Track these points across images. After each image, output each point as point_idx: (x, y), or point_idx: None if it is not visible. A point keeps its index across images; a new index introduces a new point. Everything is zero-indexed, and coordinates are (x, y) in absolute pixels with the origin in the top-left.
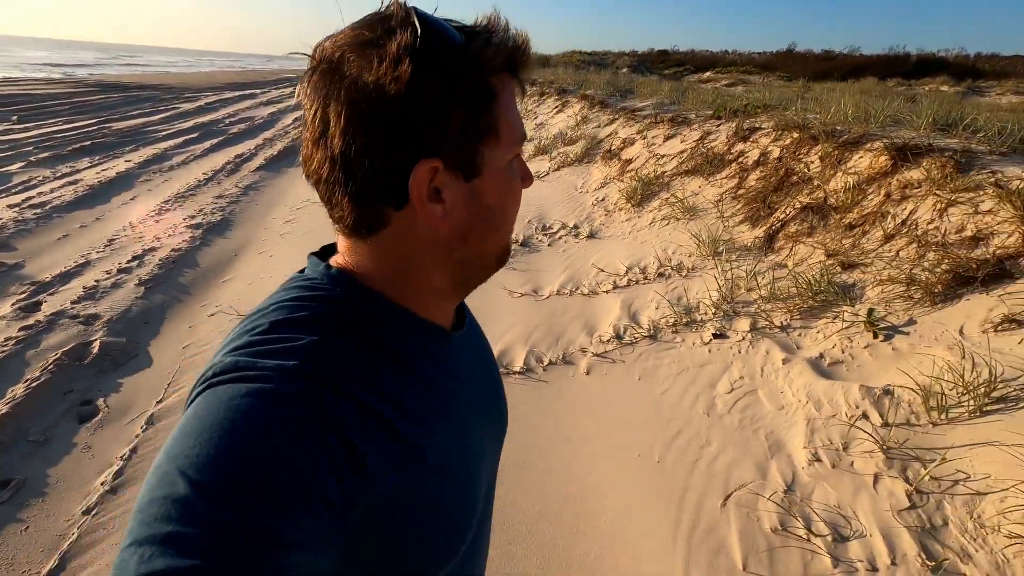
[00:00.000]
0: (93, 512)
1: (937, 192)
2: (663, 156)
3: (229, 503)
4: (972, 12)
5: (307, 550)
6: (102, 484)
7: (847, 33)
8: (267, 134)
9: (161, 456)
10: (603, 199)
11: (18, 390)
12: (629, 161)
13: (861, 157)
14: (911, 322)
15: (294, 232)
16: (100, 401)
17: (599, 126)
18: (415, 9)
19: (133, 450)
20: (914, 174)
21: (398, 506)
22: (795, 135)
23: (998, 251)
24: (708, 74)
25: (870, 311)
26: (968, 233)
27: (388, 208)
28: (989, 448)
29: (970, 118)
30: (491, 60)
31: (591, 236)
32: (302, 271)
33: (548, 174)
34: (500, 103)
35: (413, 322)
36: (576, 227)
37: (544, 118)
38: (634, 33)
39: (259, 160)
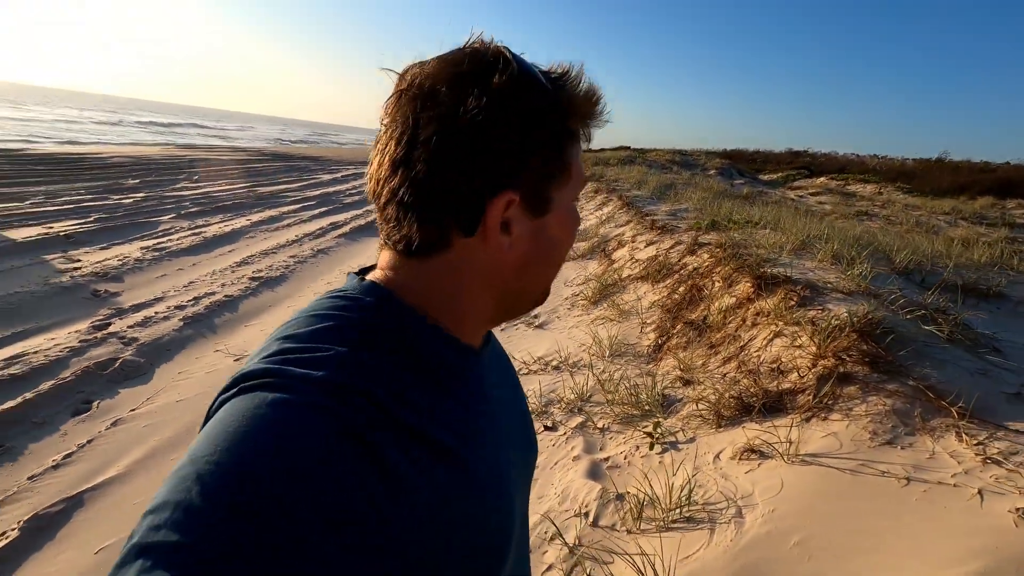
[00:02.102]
0: (34, 478)
1: (776, 322)
2: (637, 260)
3: (244, 517)
4: None
5: (327, 567)
6: (52, 461)
7: None
8: (371, 207)
9: (184, 459)
10: (576, 294)
11: (46, 385)
12: (613, 261)
13: (744, 282)
14: (691, 440)
15: None
16: (96, 403)
17: (616, 225)
18: (507, 49)
19: (89, 441)
20: (767, 303)
21: (432, 518)
22: (717, 254)
23: (783, 385)
24: (822, 179)
25: (655, 424)
26: (779, 365)
27: (456, 233)
28: (638, 557)
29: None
30: (573, 106)
31: (540, 326)
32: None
33: None
34: (575, 147)
35: (444, 339)
36: (536, 316)
37: (584, 214)
38: (778, 130)
39: (346, 229)
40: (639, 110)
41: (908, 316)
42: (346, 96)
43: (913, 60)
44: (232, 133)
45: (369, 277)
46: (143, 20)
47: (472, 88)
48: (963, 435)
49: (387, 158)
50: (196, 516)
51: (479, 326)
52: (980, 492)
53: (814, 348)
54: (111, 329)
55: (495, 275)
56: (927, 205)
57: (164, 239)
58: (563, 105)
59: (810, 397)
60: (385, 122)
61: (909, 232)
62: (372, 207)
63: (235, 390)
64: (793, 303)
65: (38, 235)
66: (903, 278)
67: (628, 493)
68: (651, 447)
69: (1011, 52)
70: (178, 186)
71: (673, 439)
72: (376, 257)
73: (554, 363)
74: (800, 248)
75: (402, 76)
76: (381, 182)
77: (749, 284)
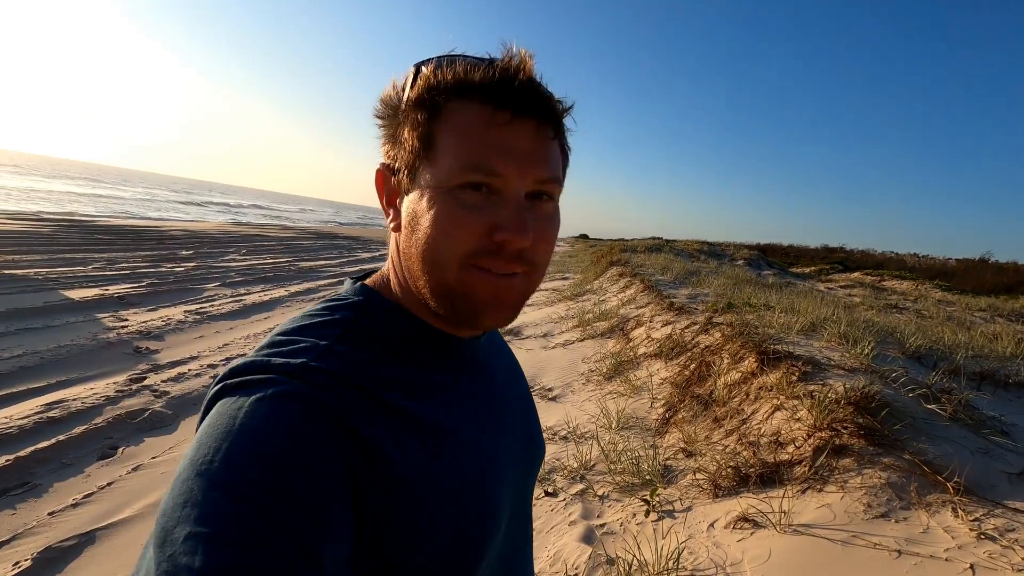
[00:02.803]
0: (55, 515)
1: (778, 396)
2: (653, 339)
3: (250, 503)
4: None
5: (327, 542)
6: (72, 500)
7: None
8: None
9: (183, 463)
10: (592, 370)
11: (78, 430)
12: (631, 340)
13: (749, 359)
14: (687, 509)
15: None
16: (121, 448)
17: (637, 307)
18: (458, 56)
19: (109, 484)
20: (770, 378)
21: (413, 490)
22: (727, 332)
23: (781, 456)
24: (856, 274)
25: (653, 491)
26: (778, 437)
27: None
28: None
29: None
30: (440, 79)
31: (554, 399)
32: None
33: (573, 343)
34: (444, 121)
35: (422, 329)
36: (551, 390)
37: (607, 296)
38: (815, 227)
39: None
40: (670, 200)
41: (910, 394)
42: None
43: (956, 160)
44: (290, 214)
45: (367, 280)
46: (195, 105)
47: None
48: (959, 511)
49: None
50: (207, 509)
51: (444, 324)
52: (972, 567)
53: (811, 420)
54: (146, 382)
55: (409, 259)
56: (962, 301)
57: (207, 304)
58: (431, 79)
59: (806, 468)
60: None
61: (939, 325)
62: None
63: (222, 386)
64: (795, 378)
65: (94, 296)
66: (914, 361)
67: (618, 557)
68: (647, 514)
69: None
70: (227, 258)
71: (670, 507)
72: None
73: (562, 433)
74: (809, 328)
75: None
76: None
77: (754, 360)
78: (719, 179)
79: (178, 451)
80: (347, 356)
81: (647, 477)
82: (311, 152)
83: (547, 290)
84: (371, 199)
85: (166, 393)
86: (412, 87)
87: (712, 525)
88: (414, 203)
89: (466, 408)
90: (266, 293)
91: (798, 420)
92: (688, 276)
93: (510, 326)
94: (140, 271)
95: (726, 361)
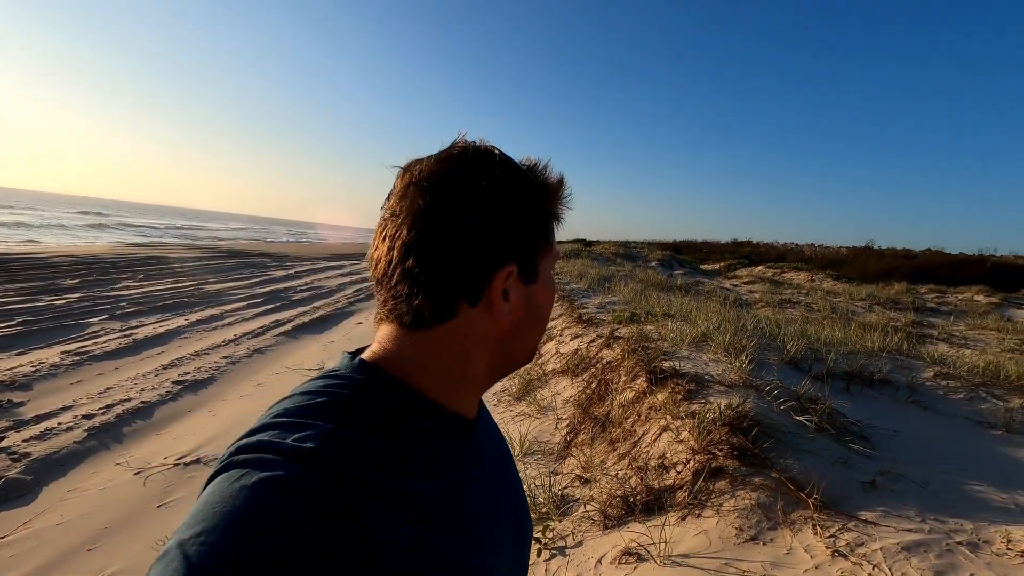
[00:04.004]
0: None
1: (665, 416)
2: (561, 354)
3: None
4: None
5: None
6: None
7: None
8: (319, 303)
9: (172, 537)
10: (504, 390)
11: None
12: (540, 355)
13: (641, 377)
14: (578, 544)
15: (256, 395)
16: None
17: (550, 319)
18: (494, 147)
19: None
20: (659, 397)
21: None
22: (624, 347)
23: (665, 481)
24: (760, 268)
25: (545, 528)
26: (663, 460)
27: (462, 303)
28: None
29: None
30: (551, 190)
31: None
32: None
33: None
34: (554, 225)
35: (433, 412)
36: None
37: None
38: (726, 221)
39: (288, 327)
40: (593, 200)
41: (782, 406)
42: (323, 192)
43: (851, 152)
44: (209, 232)
45: (364, 355)
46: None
47: (475, 179)
48: (817, 528)
49: (398, 242)
50: None
51: (474, 392)
52: None
53: (692, 442)
54: (3, 444)
55: (492, 340)
56: (847, 292)
57: (89, 342)
58: (542, 190)
59: (686, 494)
60: (392, 210)
61: (825, 319)
62: (319, 303)
63: (223, 465)
64: (680, 397)
65: None
66: (791, 367)
67: None
68: (539, 553)
69: (938, 139)
70: (120, 286)
71: (563, 543)
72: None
73: None
74: (700, 339)
75: (407, 170)
76: (392, 264)
77: (643, 379)
78: (639, 178)
79: (35, 525)
80: (347, 443)
81: (543, 510)
82: (236, 166)
83: None
84: (302, 213)
85: (27, 455)
86: (535, 197)
87: (599, 561)
88: (542, 288)
89: (466, 506)
90: (162, 324)
91: (681, 442)
92: (602, 282)
93: None
94: (10, 307)
95: (623, 379)
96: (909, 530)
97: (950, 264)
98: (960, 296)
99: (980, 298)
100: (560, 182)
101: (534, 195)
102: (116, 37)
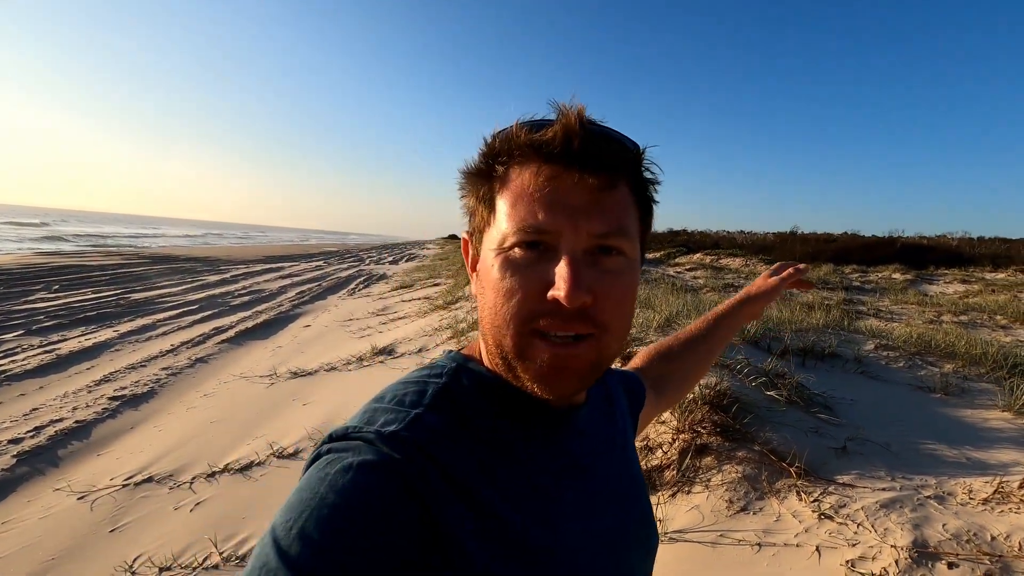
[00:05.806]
0: None
1: None
2: None
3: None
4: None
5: None
6: None
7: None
8: (260, 307)
9: (270, 524)
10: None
11: None
12: None
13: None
14: None
15: (205, 406)
16: None
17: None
18: (527, 120)
19: None
20: None
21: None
22: None
23: (652, 462)
24: (698, 255)
25: None
26: (648, 442)
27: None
28: None
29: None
30: (495, 145)
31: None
32: None
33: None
34: (503, 185)
35: (512, 397)
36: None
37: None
38: (657, 211)
39: (231, 333)
40: None
41: (753, 383)
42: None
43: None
44: (138, 238)
45: (465, 348)
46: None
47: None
48: (801, 494)
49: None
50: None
51: (531, 385)
52: (818, 548)
53: (675, 423)
54: None
55: (484, 323)
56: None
57: (6, 360)
58: (489, 146)
59: (674, 472)
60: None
61: None
62: (262, 307)
63: (315, 453)
64: None
65: None
66: (752, 346)
67: None
68: None
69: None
70: (32, 298)
71: None
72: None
73: None
74: (665, 324)
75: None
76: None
77: (619, 364)
78: None
79: None
80: (432, 429)
81: None
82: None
83: (419, 299)
84: (249, 216)
85: None
86: (479, 157)
87: None
88: (482, 268)
89: (548, 494)
90: (88, 337)
91: (663, 423)
92: None
93: (382, 344)
94: None
95: None
96: (883, 489)
97: (865, 246)
98: (879, 275)
99: (897, 276)
100: (521, 127)
101: (483, 154)
102: (104, 41)
